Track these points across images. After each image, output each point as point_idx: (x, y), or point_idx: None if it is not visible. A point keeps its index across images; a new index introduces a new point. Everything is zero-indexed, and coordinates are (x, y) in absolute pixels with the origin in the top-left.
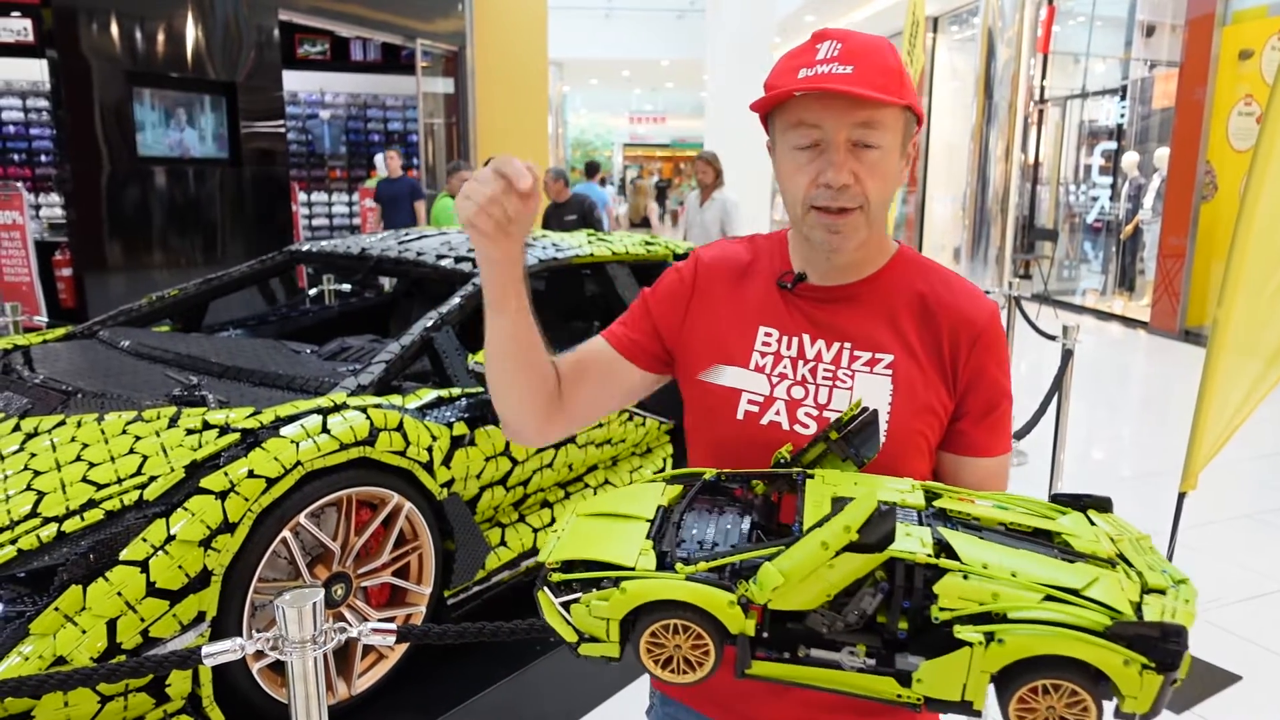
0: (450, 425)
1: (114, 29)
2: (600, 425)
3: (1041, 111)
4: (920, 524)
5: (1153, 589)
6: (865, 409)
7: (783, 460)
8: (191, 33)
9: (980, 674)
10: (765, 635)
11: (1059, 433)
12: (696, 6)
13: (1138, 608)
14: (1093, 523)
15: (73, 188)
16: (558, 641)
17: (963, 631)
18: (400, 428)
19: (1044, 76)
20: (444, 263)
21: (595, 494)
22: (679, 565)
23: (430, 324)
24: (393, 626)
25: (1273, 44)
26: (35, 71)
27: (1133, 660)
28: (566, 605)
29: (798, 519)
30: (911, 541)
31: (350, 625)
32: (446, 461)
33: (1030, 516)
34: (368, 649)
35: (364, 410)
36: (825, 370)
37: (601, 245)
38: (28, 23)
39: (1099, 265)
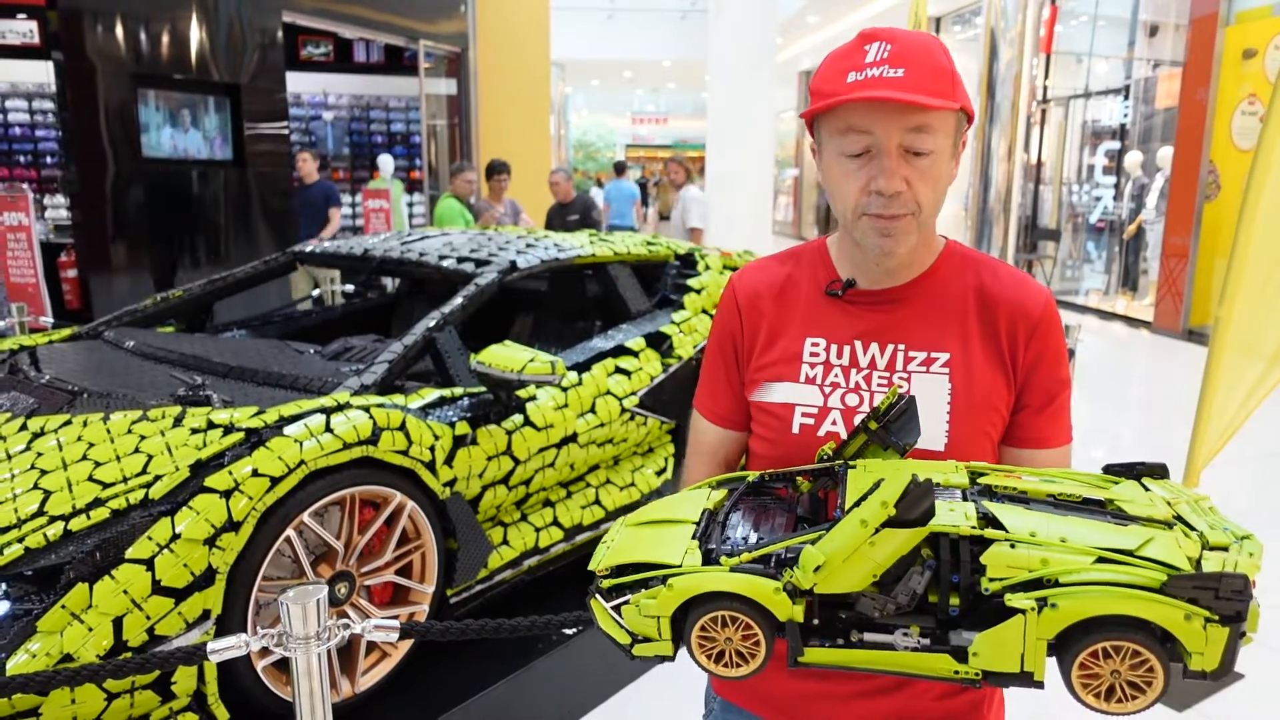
0: (452, 425)
1: (119, 31)
2: (602, 425)
3: (1044, 111)
4: (964, 500)
5: (1215, 546)
6: (902, 396)
7: (826, 456)
8: (196, 34)
9: (1036, 642)
10: (816, 623)
11: None
12: (698, 7)
13: (1197, 563)
14: (1147, 489)
15: (78, 189)
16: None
17: (1014, 599)
18: (403, 427)
19: (1047, 76)
20: (446, 263)
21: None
22: (723, 559)
23: (433, 324)
24: (396, 623)
25: (1276, 43)
26: (41, 73)
27: (1194, 614)
28: (617, 609)
29: (839, 506)
30: (955, 516)
31: (353, 623)
32: (449, 461)
33: (1081, 487)
34: (371, 648)
35: (367, 410)
36: (880, 376)
37: (603, 245)
38: (33, 25)
39: (1102, 265)
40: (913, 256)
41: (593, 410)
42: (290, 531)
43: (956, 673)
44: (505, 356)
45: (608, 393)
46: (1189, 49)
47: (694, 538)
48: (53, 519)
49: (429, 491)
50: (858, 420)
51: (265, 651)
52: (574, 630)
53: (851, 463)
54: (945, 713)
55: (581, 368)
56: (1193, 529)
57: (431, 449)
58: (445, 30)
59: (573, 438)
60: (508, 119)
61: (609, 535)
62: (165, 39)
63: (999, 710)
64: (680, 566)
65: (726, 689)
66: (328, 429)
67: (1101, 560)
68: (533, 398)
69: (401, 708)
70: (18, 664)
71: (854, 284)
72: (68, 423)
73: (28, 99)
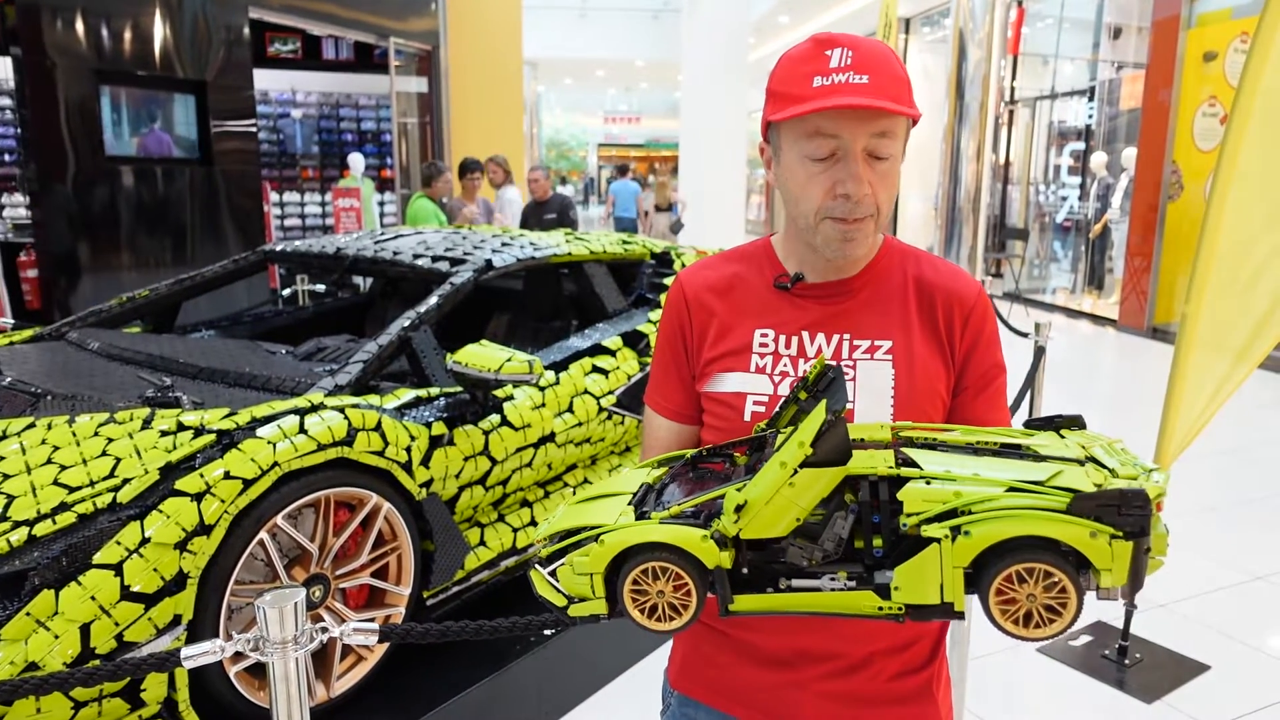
0: (429, 425)
1: (80, 26)
2: (580, 424)
3: (1012, 112)
4: (884, 449)
5: (1124, 479)
6: (829, 366)
7: (761, 430)
8: (160, 30)
9: (953, 570)
10: (746, 573)
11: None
12: (671, 7)
13: (1098, 486)
14: (1063, 437)
15: (38, 188)
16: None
17: (929, 530)
18: (378, 428)
19: (1014, 78)
20: (421, 262)
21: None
22: (653, 514)
23: (408, 323)
24: (374, 626)
25: (1235, 46)
26: None
27: (1100, 531)
28: (553, 573)
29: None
30: (873, 460)
31: (330, 626)
32: (425, 461)
33: (1000, 437)
34: (346, 651)
35: (342, 410)
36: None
37: (579, 244)
38: None
39: (1069, 264)
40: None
41: (570, 410)
42: (264, 534)
43: (880, 609)
44: (482, 356)
45: (585, 392)
46: (1151, 51)
47: (629, 504)
48: (16, 524)
49: (405, 493)
50: (786, 391)
51: (238, 656)
52: (552, 631)
53: (783, 430)
54: (899, 692)
55: (559, 367)
56: (1104, 466)
57: (408, 450)
58: (416, 28)
59: (550, 437)
60: (480, 117)
61: (551, 514)
62: (128, 34)
63: (946, 690)
64: (614, 526)
65: (683, 683)
66: (301, 430)
67: (1012, 490)
68: (510, 397)
69: (378, 711)
70: None
71: (802, 277)
72: (31, 425)
73: None
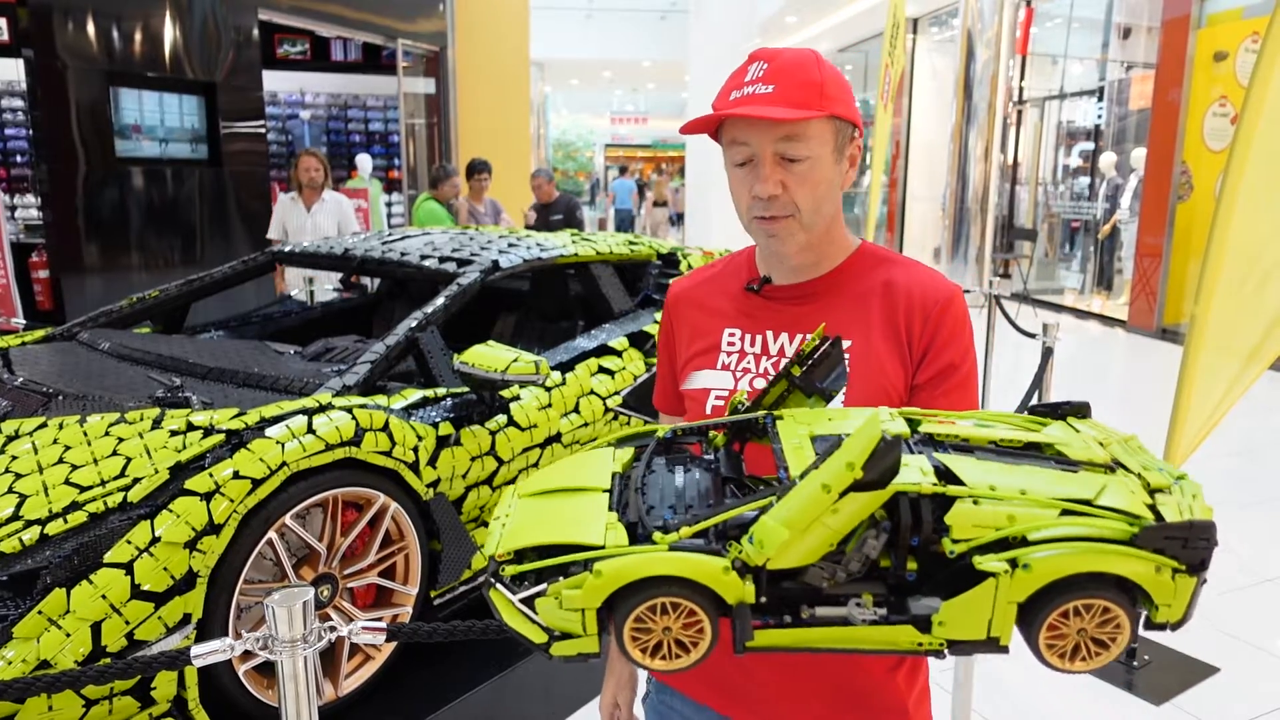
0: (436, 425)
1: (91, 28)
2: (586, 425)
3: (1020, 112)
4: (912, 452)
5: (1157, 488)
6: (827, 338)
7: (741, 406)
8: (170, 32)
9: (1007, 606)
10: (762, 600)
11: None
12: (678, 7)
13: (1154, 509)
14: (1076, 430)
15: (49, 188)
16: (525, 649)
17: (984, 562)
18: (386, 428)
19: (1022, 78)
20: (428, 263)
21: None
22: (657, 535)
23: (415, 324)
24: (383, 625)
25: (1246, 46)
26: (9, 71)
27: (1164, 566)
28: (529, 601)
29: (780, 466)
30: (911, 472)
31: (338, 625)
32: (432, 462)
33: (1015, 430)
34: (354, 650)
35: (349, 411)
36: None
37: (585, 245)
38: (2, 22)
39: (1077, 264)
40: (816, 255)
41: (576, 410)
42: (272, 534)
43: (920, 645)
44: (489, 356)
45: (591, 392)
46: (1161, 51)
47: (611, 509)
48: (28, 523)
49: (412, 492)
50: (781, 365)
51: (247, 655)
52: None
53: (775, 413)
54: (876, 691)
55: (565, 367)
56: (1129, 470)
57: (415, 450)
58: (424, 29)
59: (557, 438)
60: (487, 118)
61: (500, 509)
62: (139, 36)
63: (921, 698)
64: (604, 547)
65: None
66: (310, 430)
67: (1065, 513)
68: (516, 398)
69: (386, 711)
70: None
71: (769, 280)
72: (43, 425)
73: None
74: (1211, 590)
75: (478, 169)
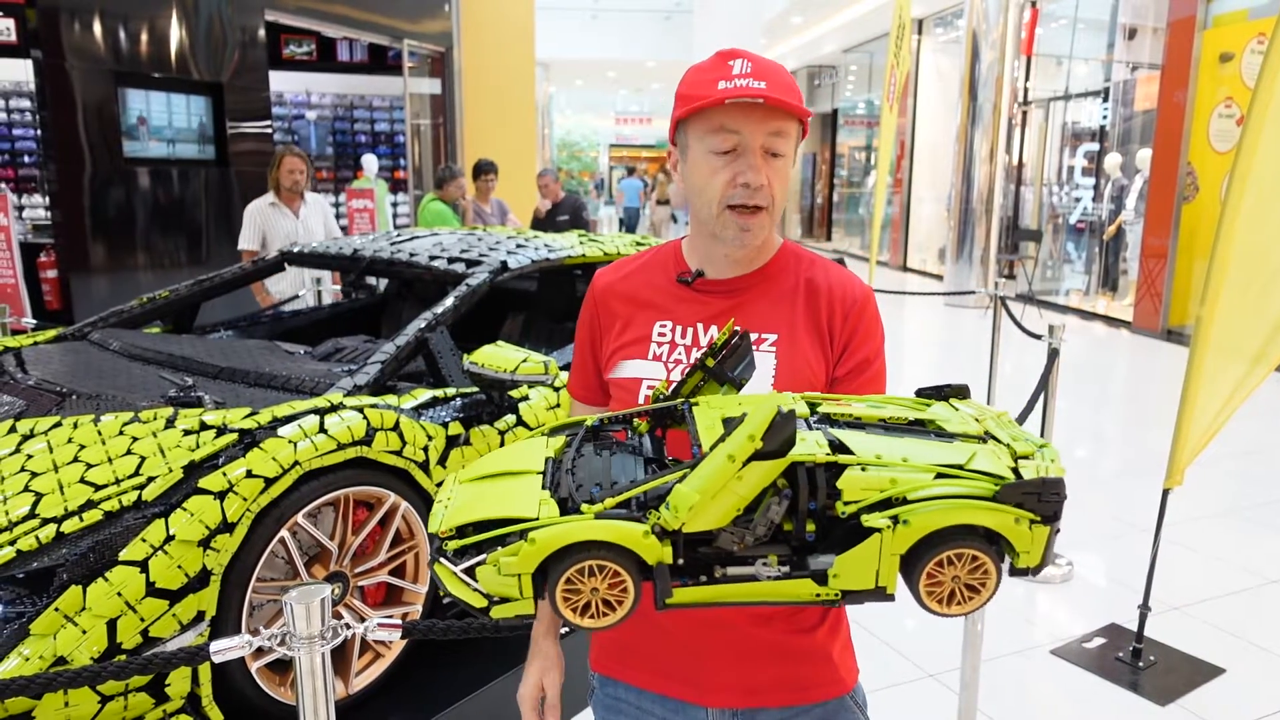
0: (446, 425)
1: (98, 29)
2: None
3: (1025, 113)
4: (810, 429)
5: (1022, 455)
6: (736, 332)
7: (661, 396)
8: (177, 33)
9: (890, 557)
10: (680, 563)
11: (1045, 430)
12: (683, 8)
13: (1015, 472)
14: (956, 408)
15: (57, 189)
16: (473, 619)
17: (870, 519)
18: (396, 427)
19: (1027, 78)
20: (437, 263)
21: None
22: (584, 507)
23: (424, 324)
24: (397, 622)
25: (1252, 47)
26: (17, 72)
27: (1022, 517)
28: (470, 571)
29: (695, 444)
30: (808, 445)
31: (351, 623)
32: (442, 461)
33: (903, 410)
34: (364, 648)
35: (360, 410)
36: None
37: (593, 246)
38: (10, 22)
39: (1082, 266)
40: (757, 251)
41: None
42: (284, 532)
43: (818, 595)
44: (498, 357)
45: None
46: (1167, 52)
47: (544, 488)
48: (45, 521)
49: (423, 492)
50: (694, 357)
51: (260, 652)
52: (567, 630)
53: (692, 400)
54: (796, 648)
55: None
56: (1000, 441)
57: (425, 449)
58: (429, 30)
59: None
60: (492, 119)
61: (443, 493)
62: (146, 37)
63: (844, 647)
64: (538, 519)
65: (602, 663)
66: (321, 429)
67: (940, 475)
68: (525, 398)
69: (396, 708)
70: (10, 668)
71: (702, 274)
72: (58, 424)
73: (4, 98)
74: (1216, 591)
75: (484, 170)
